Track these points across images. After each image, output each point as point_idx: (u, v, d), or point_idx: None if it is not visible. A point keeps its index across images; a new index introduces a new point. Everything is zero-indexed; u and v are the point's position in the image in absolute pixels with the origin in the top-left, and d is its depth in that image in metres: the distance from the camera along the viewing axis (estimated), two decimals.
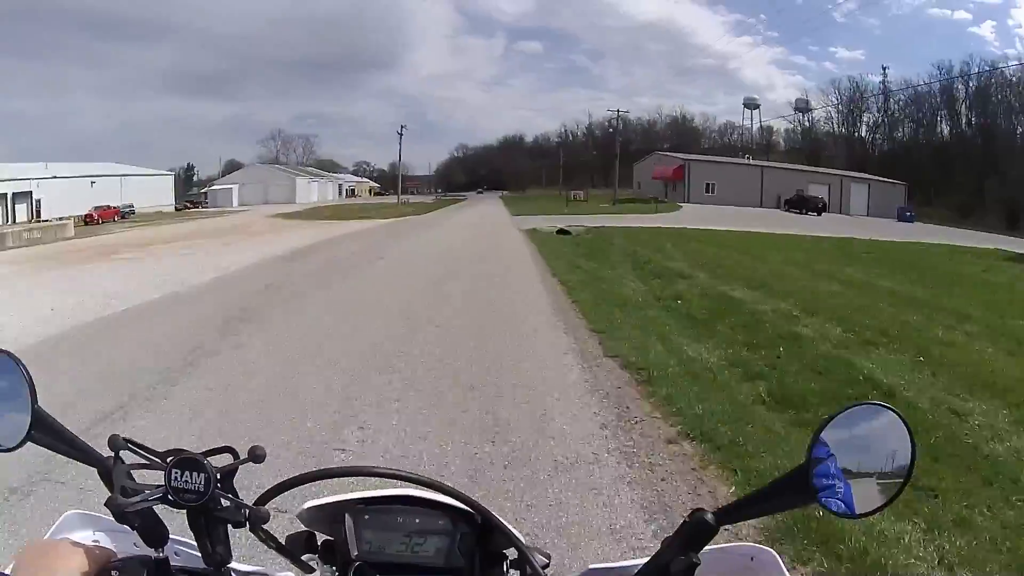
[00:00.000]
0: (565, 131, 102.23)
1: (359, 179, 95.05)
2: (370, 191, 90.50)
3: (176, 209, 51.56)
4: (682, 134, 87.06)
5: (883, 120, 68.47)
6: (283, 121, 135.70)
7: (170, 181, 57.32)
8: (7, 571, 0.56)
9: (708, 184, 50.35)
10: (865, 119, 70.27)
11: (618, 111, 58.99)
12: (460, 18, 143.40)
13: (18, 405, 0.64)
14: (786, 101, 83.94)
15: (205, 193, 64.52)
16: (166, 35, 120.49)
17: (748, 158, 62.79)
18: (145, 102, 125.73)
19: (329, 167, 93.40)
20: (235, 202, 58.99)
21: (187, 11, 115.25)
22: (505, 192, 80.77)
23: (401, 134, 56.05)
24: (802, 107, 75.32)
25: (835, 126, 73.59)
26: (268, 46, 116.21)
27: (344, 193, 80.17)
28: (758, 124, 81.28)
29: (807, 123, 77.07)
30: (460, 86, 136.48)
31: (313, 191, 68.05)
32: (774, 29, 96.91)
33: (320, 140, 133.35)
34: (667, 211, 37.61)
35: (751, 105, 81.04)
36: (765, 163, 57.80)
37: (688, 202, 46.67)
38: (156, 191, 51.46)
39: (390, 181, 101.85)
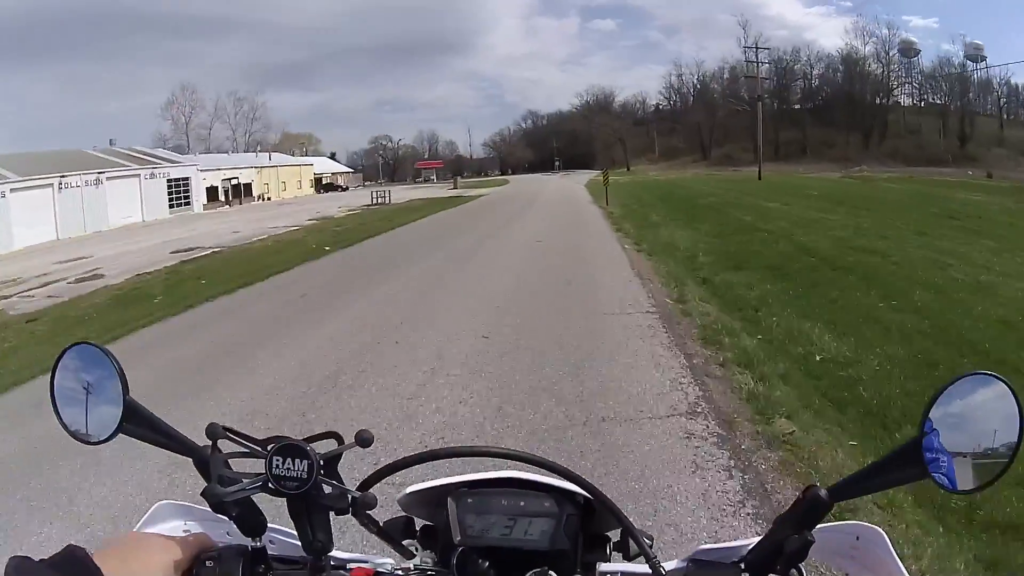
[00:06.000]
0: (680, 78, 77.80)
1: (263, 162, 50.19)
2: (318, 183, 56.94)
3: None
4: (837, 87, 66.56)
5: None
6: (362, 108, 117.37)
7: None
8: (96, 559, 0.53)
9: None
10: None
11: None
12: None
13: (110, 397, 0.63)
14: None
15: None
16: (240, 31, 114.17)
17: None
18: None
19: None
20: None
21: (262, 7, 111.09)
22: (594, 173, 43.65)
23: None
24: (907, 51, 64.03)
25: None
26: (345, 35, 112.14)
27: (224, 194, 42.77)
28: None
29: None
30: (536, 67, 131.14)
31: (24, 209, 25.09)
32: None
33: (399, 123, 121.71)
34: None
35: (908, 53, 66.30)
36: None
37: None
38: None
39: (408, 166, 75.34)
